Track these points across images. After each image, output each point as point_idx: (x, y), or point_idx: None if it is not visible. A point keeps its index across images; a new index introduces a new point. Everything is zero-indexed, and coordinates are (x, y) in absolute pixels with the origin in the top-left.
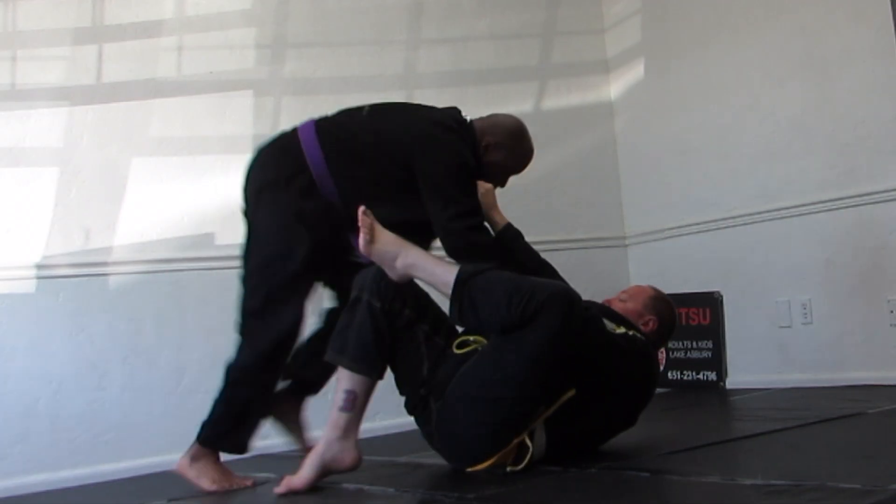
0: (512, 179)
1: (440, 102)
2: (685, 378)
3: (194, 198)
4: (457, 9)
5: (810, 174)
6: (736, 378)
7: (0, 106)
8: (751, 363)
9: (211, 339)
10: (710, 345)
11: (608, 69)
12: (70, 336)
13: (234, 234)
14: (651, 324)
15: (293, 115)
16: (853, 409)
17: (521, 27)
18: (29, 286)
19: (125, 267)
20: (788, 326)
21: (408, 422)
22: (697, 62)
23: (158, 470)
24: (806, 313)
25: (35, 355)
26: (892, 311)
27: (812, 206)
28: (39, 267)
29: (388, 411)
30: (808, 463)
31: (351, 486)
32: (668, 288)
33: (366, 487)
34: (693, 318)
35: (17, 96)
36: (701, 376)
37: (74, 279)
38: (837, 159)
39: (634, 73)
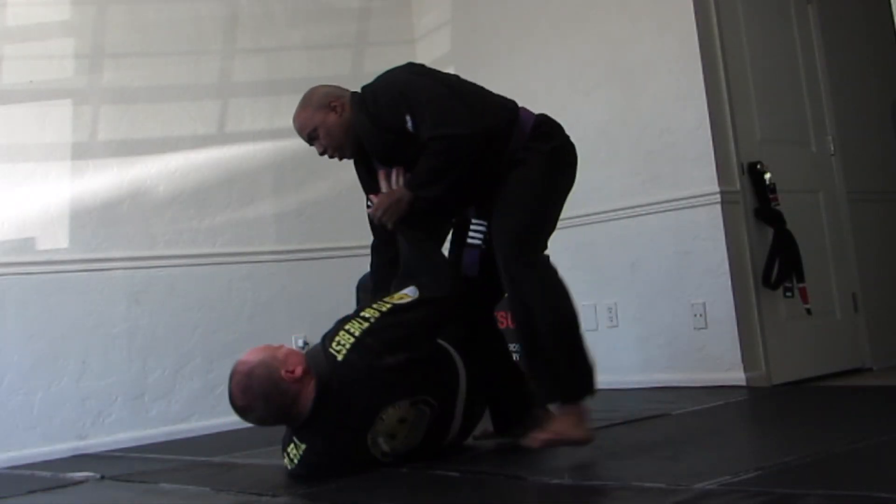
0: (325, 186)
1: (255, 111)
2: None
3: (14, 204)
4: (270, 20)
5: (616, 181)
6: None
7: None
8: None
9: (30, 344)
10: (516, 348)
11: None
12: None
13: (55, 239)
14: None
15: (111, 123)
16: (658, 411)
17: (333, 38)
18: None
19: None
20: (595, 329)
21: (225, 422)
22: (506, 72)
23: None
24: (612, 316)
25: None
26: (695, 315)
27: (617, 212)
28: None
29: (203, 412)
30: (614, 463)
31: (168, 486)
32: None
33: (184, 487)
34: (501, 321)
35: None
36: None
37: None
38: (642, 166)
39: None
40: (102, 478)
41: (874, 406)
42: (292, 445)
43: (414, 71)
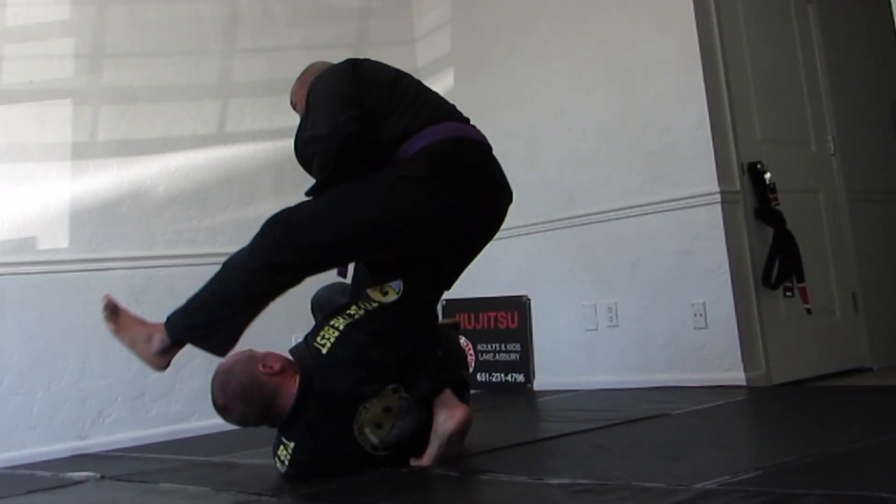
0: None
1: (255, 111)
2: (494, 380)
3: (14, 204)
4: (271, 20)
5: (616, 181)
6: (543, 380)
7: None
8: (558, 365)
9: (30, 343)
10: (518, 347)
11: (419, 78)
12: None
13: (55, 239)
14: None
15: (111, 123)
16: (658, 411)
17: (333, 38)
18: None
19: None
20: (595, 329)
21: (223, 423)
22: (506, 72)
23: None
24: (612, 316)
25: None
26: (695, 315)
27: (618, 212)
28: None
29: (203, 412)
30: (614, 462)
31: (168, 486)
32: (477, 292)
33: (184, 487)
34: (501, 321)
35: None
36: (509, 378)
37: None
38: (642, 166)
39: (444, 82)
40: (102, 478)
41: (874, 406)
42: (282, 447)
43: (335, 68)
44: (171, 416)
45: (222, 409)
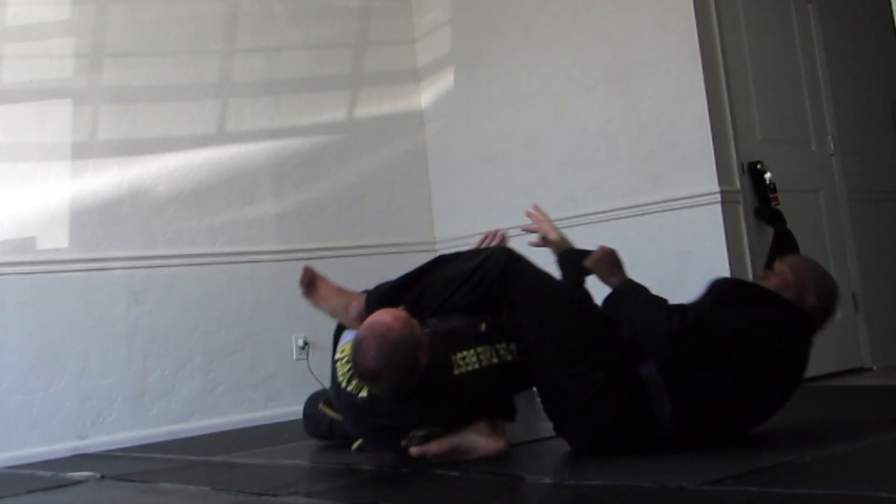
0: (325, 185)
1: (255, 111)
2: None
3: (14, 204)
4: (271, 19)
5: (616, 181)
6: None
7: None
8: None
9: (30, 344)
10: None
11: (419, 78)
12: None
13: (55, 239)
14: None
15: (111, 123)
16: None
17: (333, 37)
18: None
19: None
20: None
21: (225, 422)
22: (506, 71)
23: None
24: None
25: None
26: None
27: (618, 212)
28: None
29: (203, 412)
30: (614, 463)
31: (168, 486)
32: None
33: (184, 487)
34: None
35: None
36: None
37: None
38: (643, 166)
39: (444, 82)
40: (102, 478)
41: (874, 406)
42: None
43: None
44: (171, 416)
45: (374, 374)
